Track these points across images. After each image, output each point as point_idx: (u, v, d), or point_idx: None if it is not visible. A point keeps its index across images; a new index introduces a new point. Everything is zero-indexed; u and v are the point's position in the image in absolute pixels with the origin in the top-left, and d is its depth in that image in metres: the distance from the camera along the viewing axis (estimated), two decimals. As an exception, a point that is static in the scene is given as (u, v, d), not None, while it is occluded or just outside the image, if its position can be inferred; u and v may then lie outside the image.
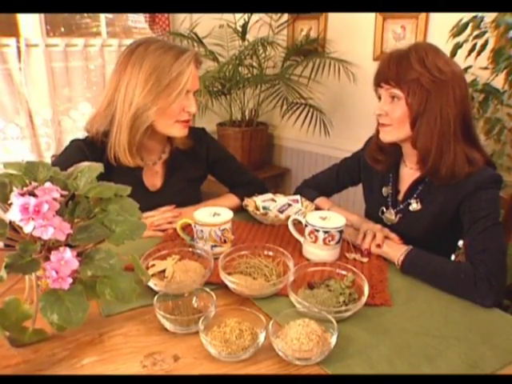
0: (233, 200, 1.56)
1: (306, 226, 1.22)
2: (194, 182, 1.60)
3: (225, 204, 1.42)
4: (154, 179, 1.50)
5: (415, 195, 1.33)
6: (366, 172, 1.51)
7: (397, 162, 1.39)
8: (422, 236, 1.29)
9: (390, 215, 1.38)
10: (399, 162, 1.40)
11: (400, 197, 1.38)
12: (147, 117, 1.32)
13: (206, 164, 1.60)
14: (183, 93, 1.33)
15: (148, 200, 1.38)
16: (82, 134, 1.45)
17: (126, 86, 1.31)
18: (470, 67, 1.97)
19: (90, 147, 1.39)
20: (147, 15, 2.88)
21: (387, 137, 1.29)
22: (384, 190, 1.42)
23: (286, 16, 3.18)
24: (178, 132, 1.40)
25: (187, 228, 1.31)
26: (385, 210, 1.41)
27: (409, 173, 1.35)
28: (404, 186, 1.37)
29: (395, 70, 1.21)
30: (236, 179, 1.66)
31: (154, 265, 1.09)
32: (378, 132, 1.33)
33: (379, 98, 1.29)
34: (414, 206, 1.33)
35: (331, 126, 3.05)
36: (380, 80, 1.25)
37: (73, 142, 1.43)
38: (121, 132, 1.34)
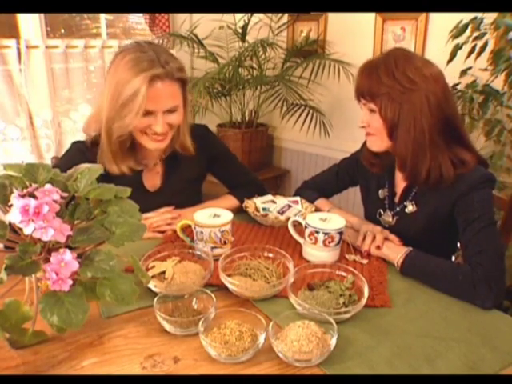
0: (231, 201, 1.56)
1: (305, 227, 1.22)
2: (194, 181, 1.60)
3: (223, 205, 1.42)
4: (154, 179, 1.50)
5: (410, 197, 1.33)
6: (362, 174, 1.51)
7: (392, 164, 1.39)
8: (419, 237, 1.29)
9: (388, 217, 1.39)
10: (394, 165, 1.39)
11: (396, 199, 1.38)
12: (115, 131, 1.31)
13: (206, 161, 1.59)
14: (140, 113, 1.25)
15: (148, 201, 1.37)
16: (82, 136, 1.46)
17: (103, 95, 1.32)
18: (469, 68, 1.98)
19: (91, 149, 1.40)
20: (147, 16, 2.89)
21: (373, 146, 1.31)
22: (380, 192, 1.42)
23: (285, 17, 3.18)
24: (150, 145, 1.36)
25: (187, 229, 1.31)
26: (382, 212, 1.41)
27: (403, 175, 1.35)
28: (399, 188, 1.37)
29: (367, 84, 1.22)
30: (235, 179, 1.65)
31: (153, 266, 1.09)
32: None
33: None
34: (410, 208, 1.33)
35: (331, 128, 3.05)
36: (357, 94, 1.27)
37: (74, 144, 1.44)
38: (103, 140, 1.35)
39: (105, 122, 1.31)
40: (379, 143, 1.28)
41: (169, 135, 1.37)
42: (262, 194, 1.58)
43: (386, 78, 1.18)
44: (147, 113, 1.28)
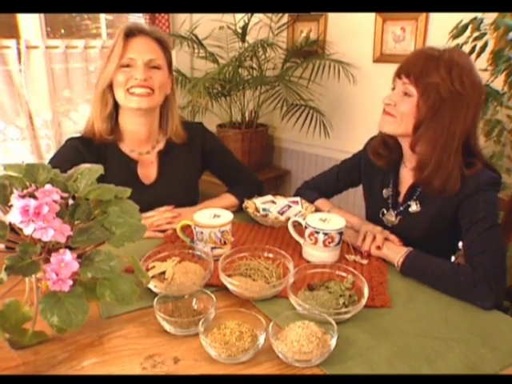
0: (230, 200, 1.56)
1: (305, 227, 1.22)
2: (190, 176, 1.60)
3: (222, 204, 1.43)
4: (148, 170, 1.51)
5: (415, 197, 1.33)
6: (366, 173, 1.51)
7: (397, 161, 1.39)
8: (422, 237, 1.29)
9: (391, 217, 1.39)
10: (399, 163, 1.39)
11: (400, 198, 1.38)
12: (100, 85, 1.40)
13: (201, 157, 1.61)
14: (116, 59, 1.35)
15: (143, 194, 1.37)
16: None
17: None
18: (469, 69, 1.97)
19: (86, 145, 1.43)
20: (147, 17, 2.89)
21: (386, 127, 1.28)
22: (384, 191, 1.42)
23: (285, 17, 3.18)
24: (133, 103, 1.39)
25: (187, 230, 1.31)
26: (385, 211, 1.41)
27: (408, 174, 1.35)
28: (404, 187, 1.37)
29: (420, 67, 1.19)
30: (232, 175, 1.66)
31: (153, 267, 1.09)
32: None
33: (393, 89, 1.28)
34: (414, 207, 1.33)
35: (331, 128, 3.05)
36: (402, 71, 1.23)
37: (68, 140, 1.47)
38: (92, 106, 1.45)
39: (96, 84, 1.43)
40: (395, 126, 1.25)
41: (154, 95, 1.41)
42: (259, 190, 1.60)
43: (444, 70, 1.16)
44: (129, 61, 1.37)
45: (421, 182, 1.27)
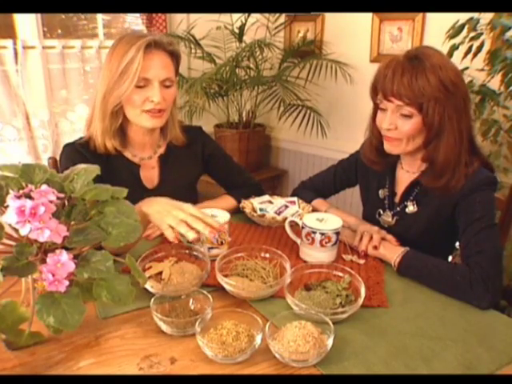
0: (229, 201, 1.56)
1: (302, 227, 1.22)
2: (191, 179, 1.61)
3: (221, 205, 1.43)
4: (151, 174, 1.51)
5: (411, 197, 1.33)
6: (362, 174, 1.51)
7: (393, 163, 1.39)
8: (419, 238, 1.29)
9: (387, 217, 1.39)
10: (396, 164, 1.39)
11: (397, 199, 1.38)
12: (111, 102, 1.35)
13: (201, 161, 1.61)
14: (134, 80, 1.30)
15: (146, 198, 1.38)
16: (79, 136, 1.47)
17: (100, 76, 1.39)
18: (466, 69, 1.98)
19: (85, 148, 1.42)
20: (144, 17, 2.88)
21: (395, 150, 1.26)
22: (381, 192, 1.42)
23: (283, 18, 3.18)
24: (147, 122, 1.38)
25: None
26: (382, 212, 1.41)
27: (405, 175, 1.35)
28: (400, 188, 1.37)
29: (410, 86, 1.12)
30: (231, 179, 1.66)
31: (150, 267, 1.09)
32: (376, 140, 1.31)
33: (375, 104, 1.25)
34: (411, 208, 1.33)
35: (328, 128, 3.05)
36: (389, 93, 1.16)
37: (66, 146, 1.44)
38: (95, 118, 1.39)
39: (101, 98, 1.36)
40: (403, 147, 1.23)
41: (165, 113, 1.41)
42: (259, 194, 1.58)
43: (434, 79, 1.12)
44: (144, 81, 1.33)
45: (442, 189, 1.22)
